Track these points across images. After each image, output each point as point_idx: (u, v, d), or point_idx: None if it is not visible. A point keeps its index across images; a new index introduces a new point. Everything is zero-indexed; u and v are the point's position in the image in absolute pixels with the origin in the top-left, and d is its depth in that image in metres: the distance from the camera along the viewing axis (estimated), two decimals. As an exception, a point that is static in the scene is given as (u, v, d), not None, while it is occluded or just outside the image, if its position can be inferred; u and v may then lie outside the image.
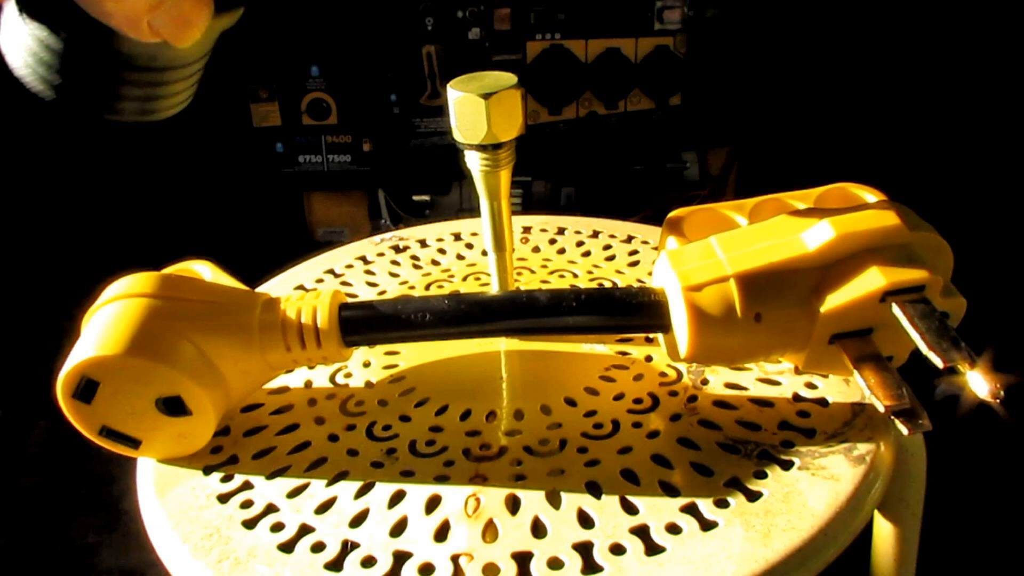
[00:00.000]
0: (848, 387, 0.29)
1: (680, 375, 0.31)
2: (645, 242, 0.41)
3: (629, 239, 0.42)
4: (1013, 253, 0.94)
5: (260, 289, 0.34)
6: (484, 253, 0.40)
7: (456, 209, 1.01)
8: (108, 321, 0.26)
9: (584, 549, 0.24)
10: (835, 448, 0.27)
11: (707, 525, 0.24)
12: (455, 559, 0.24)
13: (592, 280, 0.38)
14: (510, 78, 0.29)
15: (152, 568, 0.27)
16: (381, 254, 0.41)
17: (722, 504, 0.25)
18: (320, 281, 0.39)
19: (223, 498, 0.27)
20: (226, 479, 0.28)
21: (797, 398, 0.29)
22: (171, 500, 0.27)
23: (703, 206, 0.30)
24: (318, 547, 0.25)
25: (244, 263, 0.35)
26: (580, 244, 0.41)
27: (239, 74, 0.92)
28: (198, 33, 0.26)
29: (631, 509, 0.25)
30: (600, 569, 0.23)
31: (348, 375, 0.32)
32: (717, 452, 0.27)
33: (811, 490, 0.25)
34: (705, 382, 0.30)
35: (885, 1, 0.94)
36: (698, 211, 0.30)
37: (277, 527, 0.25)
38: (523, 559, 0.24)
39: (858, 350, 0.26)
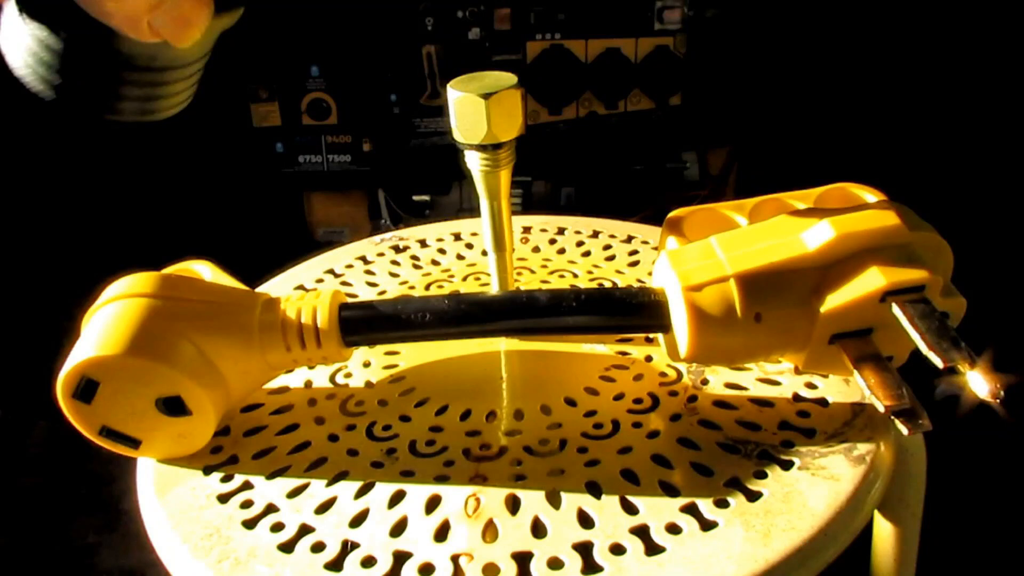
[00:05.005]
0: (848, 387, 0.29)
1: (680, 375, 0.31)
2: (645, 242, 0.41)
3: (629, 239, 0.42)
4: (1013, 253, 0.94)
5: (260, 289, 0.34)
6: (484, 253, 0.40)
7: (456, 209, 1.01)
8: (108, 321, 0.26)
9: (584, 549, 0.24)
10: (835, 448, 0.27)
11: (707, 525, 0.24)
12: (455, 559, 0.24)
13: (592, 280, 0.38)
14: (510, 78, 0.29)
15: (152, 568, 0.27)
16: (381, 254, 0.41)
17: (722, 504, 0.25)
18: (320, 281, 0.39)
19: (223, 498, 0.27)
20: (226, 479, 0.28)
21: (797, 398, 0.29)
22: (171, 500, 0.27)
23: (703, 206, 0.30)
24: (318, 547, 0.25)
25: (244, 263, 0.35)
26: (580, 244, 0.41)
27: (239, 74, 0.92)
28: (198, 33, 0.26)
29: (631, 509, 0.25)
30: (600, 569, 0.23)
31: (348, 375, 0.32)
32: (717, 452, 0.27)
33: (811, 490, 0.25)
34: (705, 382, 0.30)
35: (885, 1, 0.94)
36: (698, 211, 0.30)
37: (277, 527, 0.25)
38: (523, 559, 0.24)
39: (858, 350, 0.26)
